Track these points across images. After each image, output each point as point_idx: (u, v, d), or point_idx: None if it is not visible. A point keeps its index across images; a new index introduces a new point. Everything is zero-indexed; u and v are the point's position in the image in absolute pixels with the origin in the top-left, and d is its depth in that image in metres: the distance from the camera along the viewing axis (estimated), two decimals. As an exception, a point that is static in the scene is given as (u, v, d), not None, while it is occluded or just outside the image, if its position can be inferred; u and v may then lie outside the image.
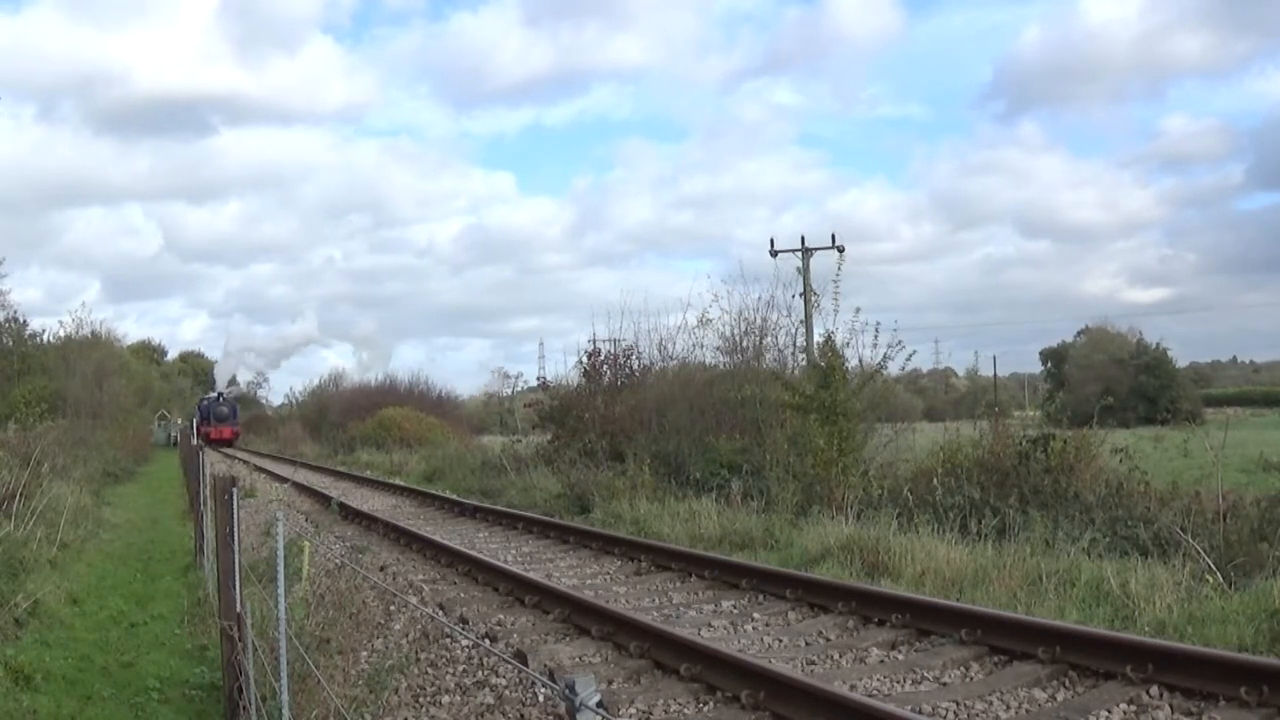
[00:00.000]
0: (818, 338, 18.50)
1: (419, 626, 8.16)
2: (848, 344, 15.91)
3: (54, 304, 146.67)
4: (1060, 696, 6.05)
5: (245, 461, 37.07)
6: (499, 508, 17.53)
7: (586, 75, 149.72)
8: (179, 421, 53.37)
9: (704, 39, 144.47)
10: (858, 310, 16.26)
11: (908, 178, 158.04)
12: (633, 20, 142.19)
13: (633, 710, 5.94)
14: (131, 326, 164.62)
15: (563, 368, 64.74)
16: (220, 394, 61.29)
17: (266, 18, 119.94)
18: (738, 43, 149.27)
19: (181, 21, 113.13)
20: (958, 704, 5.85)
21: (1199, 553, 8.71)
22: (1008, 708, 5.85)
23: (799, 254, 27.31)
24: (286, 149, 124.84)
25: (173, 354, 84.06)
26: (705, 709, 6.04)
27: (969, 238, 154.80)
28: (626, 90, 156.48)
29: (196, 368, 79.46)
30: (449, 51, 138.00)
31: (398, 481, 25.43)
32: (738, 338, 20.25)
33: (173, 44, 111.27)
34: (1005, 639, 6.94)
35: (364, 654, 7.49)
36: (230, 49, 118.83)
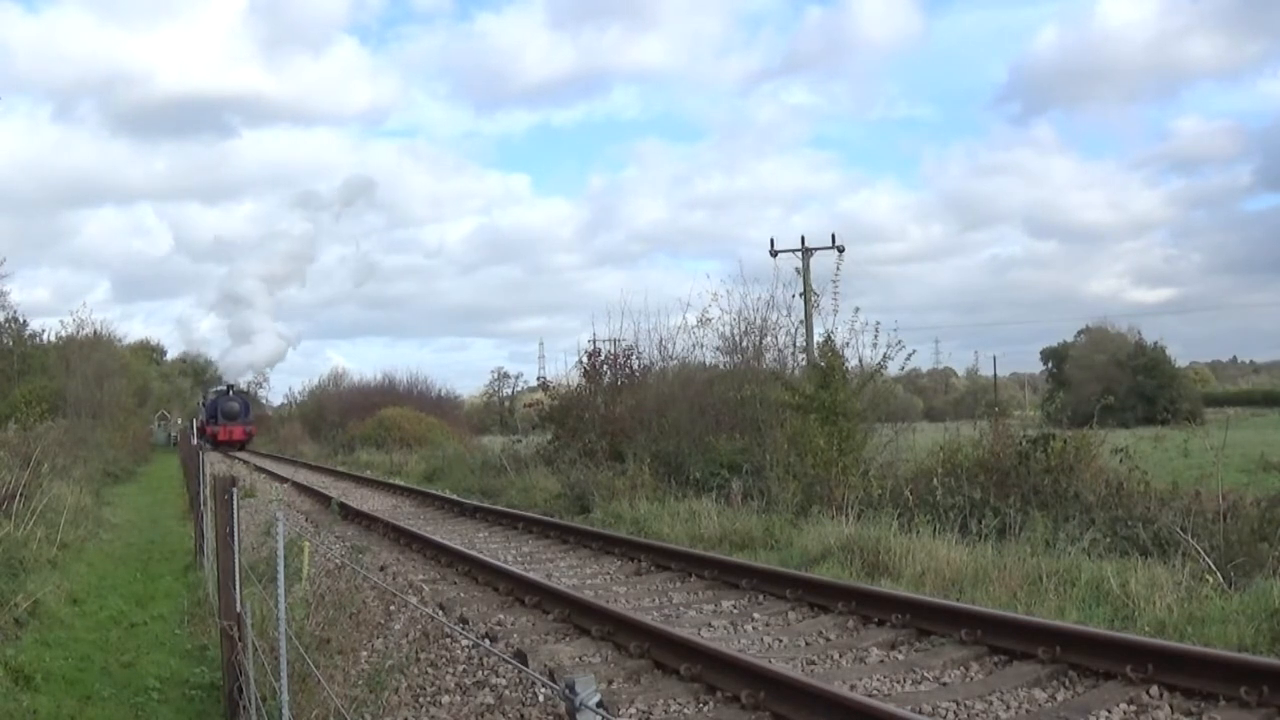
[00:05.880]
0: (818, 338, 18.53)
1: (419, 626, 8.16)
2: (848, 344, 15.95)
3: (61, 304, 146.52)
4: (1060, 696, 6.05)
5: (245, 461, 37.09)
6: (499, 508, 17.53)
7: (608, 77, 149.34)
8: (179, 421, 52.06)
9: (725, 40, 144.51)
10: (857, 310, 16.32)
11: (919, 178, 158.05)
12: (656, 22, 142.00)
13: (633, 710, 5.94)
14: (138, 326, 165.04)
15: (564, 368, 64.62)
16: (230, 386, 53.77)
17: (292, 19, 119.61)
18: (758, 44, 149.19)
19: (206, 23, 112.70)
20: (958, 704, 5.85)
21: (1199, 553, 8.71)
22: (1008, 708, 5.85)
23: (799, 254, 27.35)
24: (304, 150, 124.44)
25: (179, 354, 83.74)
26: (705, 709, 6.04)
27: (977, 238, 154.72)
28: (647, 92, 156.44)
29: (197, 367, 79.20)
30: (471, 52, 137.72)
31: (398, 481, 25.44)
32: (738, 338, 20.28)
33: (197, 45, 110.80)
34: (1005, 639, 6.94)
35: (364, 654, 7.50)
36: (255, 50, 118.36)
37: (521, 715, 6.03)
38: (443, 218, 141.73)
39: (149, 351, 71.49)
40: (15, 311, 39.75)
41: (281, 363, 75.74)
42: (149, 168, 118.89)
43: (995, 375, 75.55)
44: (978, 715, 5.74)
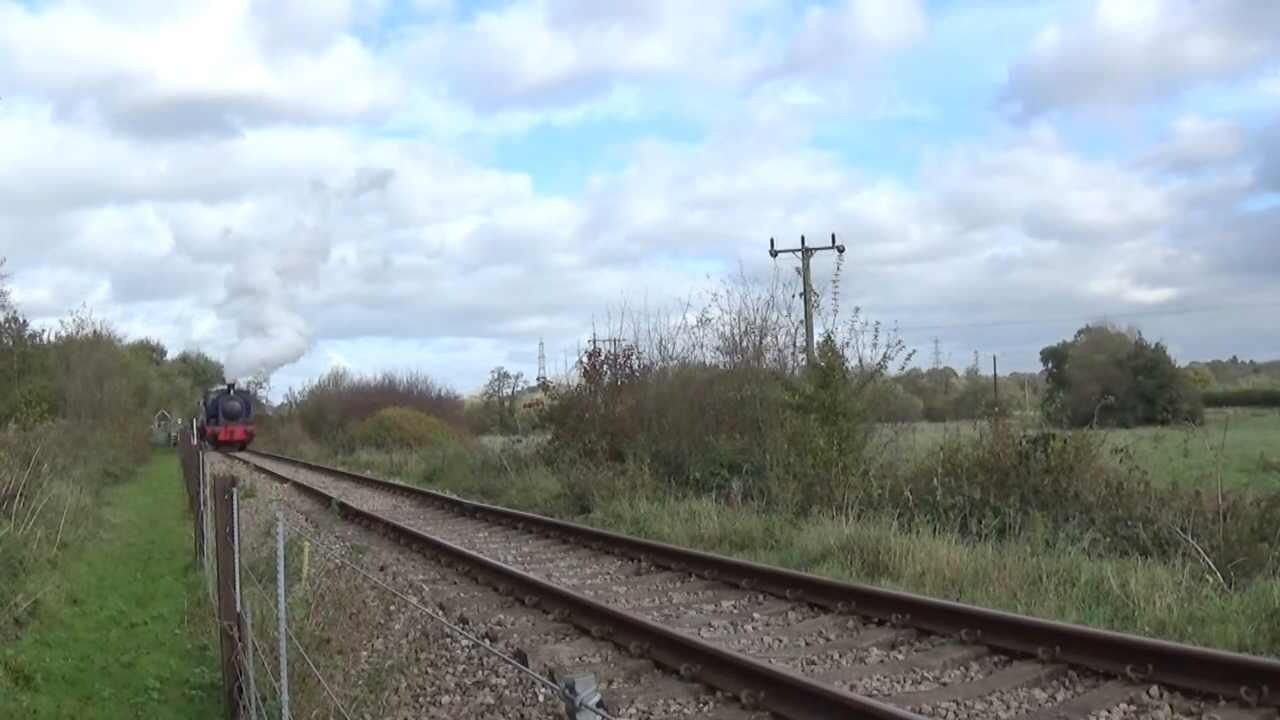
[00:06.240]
0: (818, 338, 18.54)
1: (419, 626, 8.16)
2: (847, 344, 15.96)
3: (62, 304, 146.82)
4: (1060, 696, 6.05)
5: (245, 461, 37.09)
6: (499, 508, 17.53)
7: (609, 77, 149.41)
8: (179, 421, 51.77)
9: (726, 40, 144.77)
10: (857, 310, 16.33)
11: (919, 178, 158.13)
12: (657, 22, 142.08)
13: (633, 710, 5.94)
14: (138, 326, 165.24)
15: (564, 368, 64.46)
16: (231, 385, 52.46)
17: (293, 19, 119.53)
18: (759, 44, 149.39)
19: (207, 23, 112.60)
20: (958, 704, 5.85)
21: (1199, 553, 8.71)
22: (1008, 708, 5.85)
23: (799, 254, 27.37)
24: (305, 150, 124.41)
25: (179, 354, 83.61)
26: (705, 709, 6.04)
27: (978, 238, 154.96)
28: (648, 92, 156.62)
29: (197, 367, 79.17)
30: (473, 52, 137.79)
31: (398, 481, 25.44)
32: (738, 338, 20.29)
33: (198, 45, 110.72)
34: (1005, 639, 6.94)
35: (364, 654, 7.50)
36: (256, 50, 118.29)
37: (521, 715, 6.03)
38: (444, 218, 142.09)
39: (149, 351, 71.48)
40: (15, 311, 39.84)
41: (291, 364, 75.01)
42: (150, 168, 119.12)
43: (995, 375, 75.62)
44: (978, 715, 5.74)
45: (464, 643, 7.42)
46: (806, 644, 7.49)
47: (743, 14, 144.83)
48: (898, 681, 6.44)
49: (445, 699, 6.47)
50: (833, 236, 27.44)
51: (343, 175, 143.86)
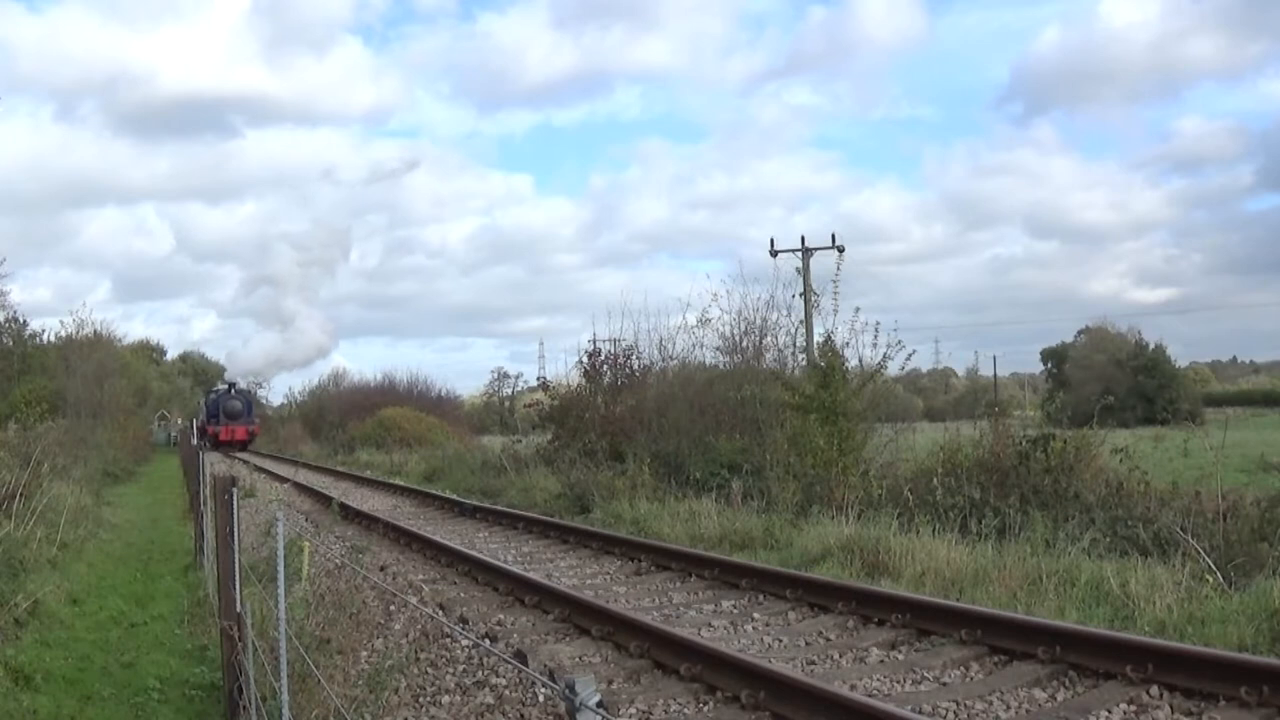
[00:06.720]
0: (818, 338, 18.54)
1: (419, 626, 8.16)
2: (847, 344, 15.96)
3: (63, 304, 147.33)
4: (1060, 696, 6.05)
5: (245, 461, 37.09)
6: (499, 508, 17.53)
7: (611, 77, 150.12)
8: (179, 421, 51.59)
9: (728, 40, 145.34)
10: (857, 310, 16.32)
11: (920, 179, 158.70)
12: (659, 22, 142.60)
13: (633, 710, 5.94)
14: (139, 326, 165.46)
15: (564, 368, 64.38)
16: (232, 385, 51.94)
17: (296, 19, 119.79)
18: (761, 44, 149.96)
19: (209, 23, 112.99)
20: (958, 704, 5.85)
21: (1199, 553, 8.71)
22: (1008, 708, 5.85)
23: (799, 254, 27.36)
24: (307, 150, 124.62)
25: (179, 354, 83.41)
26: (705, 709, 6.04)
27: (978, 238, 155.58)
28: (650, 92, 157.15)
29: (197, 367, 79.09)
30: (474, 52, 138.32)
31: (398, 481, 25.44)
32: (738, 338, 20.30)
33: (200, 45, 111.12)
34: (1005, 639, 6.94)
35: (364, 654, 7.50)
36: (258, 50, 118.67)
37: (521, 715, 6.03)
38: (445, 218, 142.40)
39: (149, 351, 71.41)
40: (15, 311, 39.74)
41: (304, 366, 75.11)
42: (151, 168, 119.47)
43: (995, 375, 75.66)
44: (978, 715, 5.74)
45: (464, 643, 7.42)
46: (806, 644, 7.49)
47: (744, 14, 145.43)
48: (898, 681, 6.44)
49: (445, 699, 6.47)
50: (833, 236, 27.46)
51: (344, 175, 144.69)
